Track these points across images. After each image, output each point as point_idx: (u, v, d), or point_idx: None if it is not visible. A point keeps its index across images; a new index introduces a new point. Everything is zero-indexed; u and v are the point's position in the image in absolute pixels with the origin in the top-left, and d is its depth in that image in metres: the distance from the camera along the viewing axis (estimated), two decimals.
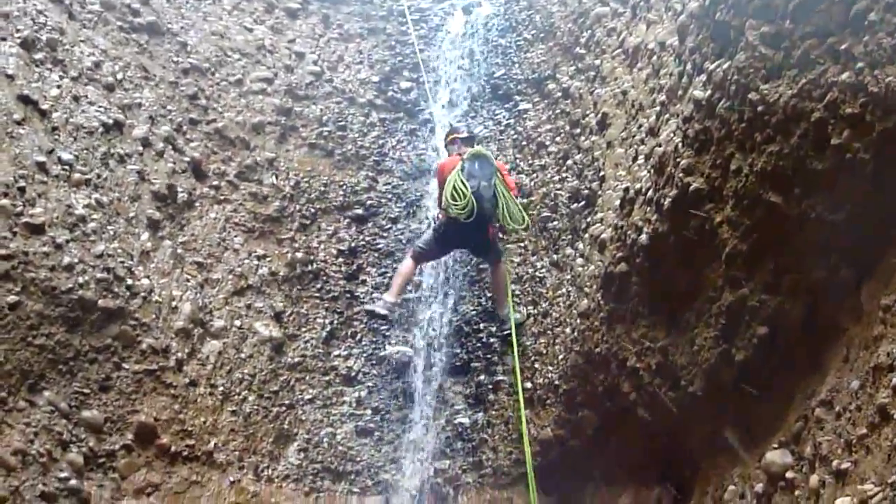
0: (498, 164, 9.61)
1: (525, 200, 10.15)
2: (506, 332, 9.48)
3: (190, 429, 8.20)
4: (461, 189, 9.04)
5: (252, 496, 8.52)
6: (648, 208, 6.22)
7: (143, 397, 7.88)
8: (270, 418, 9.07)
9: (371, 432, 9.63)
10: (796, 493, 4.45)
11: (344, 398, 9.73)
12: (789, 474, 4.57)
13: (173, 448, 8.03)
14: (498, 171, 9.41)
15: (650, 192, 6.21)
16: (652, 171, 6.26)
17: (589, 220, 8.37)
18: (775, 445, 4.83)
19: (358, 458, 9.43)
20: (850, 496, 3.69)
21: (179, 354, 8.28)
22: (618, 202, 7.20)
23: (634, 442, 7.25)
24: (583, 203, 8.75)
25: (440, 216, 9.62)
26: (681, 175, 5.57)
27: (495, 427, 9.32)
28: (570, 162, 9.53)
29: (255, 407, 8.94)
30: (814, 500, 4.15)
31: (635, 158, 7.12)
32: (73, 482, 7.16)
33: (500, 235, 9.87)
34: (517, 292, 9.84)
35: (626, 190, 6.90)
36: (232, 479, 8.43)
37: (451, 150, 10.06)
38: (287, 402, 9.32)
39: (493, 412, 9.38)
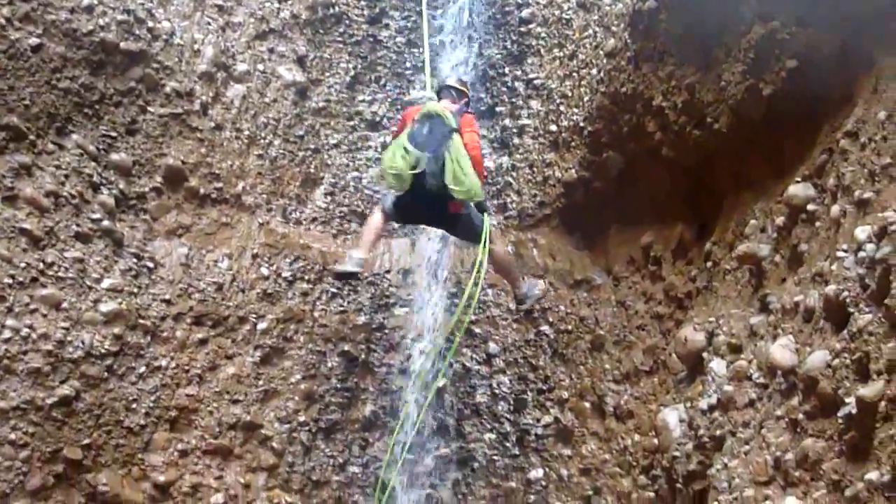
0: (462, 122, 7.71)
1: None
2: (524, 309, 8.48)
3: (217, 172, 8.28)
4: (398, 157, 7.39)
5: (281, 237, 8.68)
6: None
7: (169, 140, 7.93)
8: (296, 162, 9.14)
9: None
10: (817, 224, 4.52)
11: (369, 143, 9.71)
12: (810, 206, 4.63)
13: (202, 190, 8.15)
14: (456, 132, 7.56)
15: None
16: None
17: None
18: (798, 179, 4.86)
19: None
20: (870, 224, 3.74)
21: (204, 98, 8.25)
22: None
23: (658, 182, 7.32)
24: None
25: None
26: None
27: (520, 170, 9.34)
28: None
29: (281, 151, 8.98)
30: (833, 229, 4.21)
31: None
32: (105, 223, 7.32)
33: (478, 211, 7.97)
34: (542, 43, 9.61)
35: None
36: (261, 220, 8.58)
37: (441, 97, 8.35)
38: (312, 146, 9.35)
39: (518, 156, 9.38)
